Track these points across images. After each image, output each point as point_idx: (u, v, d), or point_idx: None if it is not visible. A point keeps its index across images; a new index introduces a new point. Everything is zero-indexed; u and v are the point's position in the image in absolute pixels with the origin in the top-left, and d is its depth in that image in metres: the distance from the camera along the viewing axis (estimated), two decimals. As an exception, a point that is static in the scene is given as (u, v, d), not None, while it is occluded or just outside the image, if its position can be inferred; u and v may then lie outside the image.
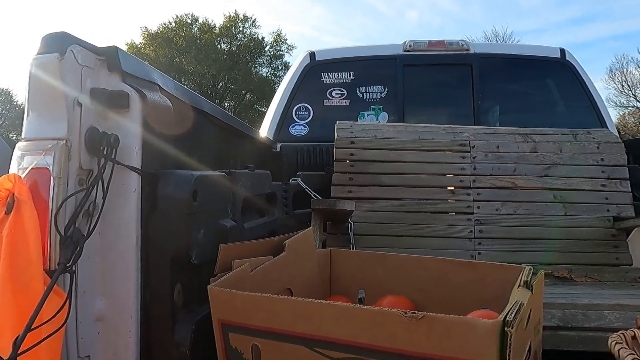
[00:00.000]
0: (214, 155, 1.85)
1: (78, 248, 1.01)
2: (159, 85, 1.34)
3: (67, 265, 0.99)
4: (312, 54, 3.64)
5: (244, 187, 1.67)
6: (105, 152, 1.09)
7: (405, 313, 0.92)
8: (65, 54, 1.03)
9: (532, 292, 1.11)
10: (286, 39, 32.11)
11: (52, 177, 1.00)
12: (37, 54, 1.02)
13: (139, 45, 30.61)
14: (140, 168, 1.16)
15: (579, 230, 2.37)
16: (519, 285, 1.13)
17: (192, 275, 1.30)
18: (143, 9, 46.16)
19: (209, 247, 1.30)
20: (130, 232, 1.15)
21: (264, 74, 32.33)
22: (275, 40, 32.07)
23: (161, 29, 30.76)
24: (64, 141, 1.03)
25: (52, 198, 1.00)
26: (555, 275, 2.22)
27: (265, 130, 3.55)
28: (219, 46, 31.49)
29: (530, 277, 1.17)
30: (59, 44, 1.02)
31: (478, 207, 2.45)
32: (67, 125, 1.03)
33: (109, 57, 1.15)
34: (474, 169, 2.52)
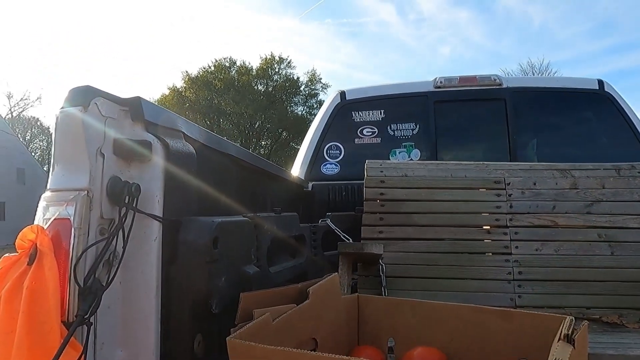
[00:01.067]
0: (242, 199, 1.85)
1: (96, 299, 1.01)
2: (184, 133, 1.37)
3: (85, 317, 0.98)
4: (342, 94, 3.67)
5: (269, 231, 1.65)
6: (126, 201, 1.10)
7: (431, 372, 0.85)
8: (89, 106, 1.06)
9: (574, 347, 1.01)
10: (320, 78, 32.86)
11: (72, 228, 1.01)
12: (62, 108, 1.05)
13: (180, 89, 31.95)
14: (161, 216, 1.16)
15: (628, 272, 2.21)
16: (559, 339, 1.04)
17: (213, 324, 1.27)
18: (184, 54, 48.43)
19: (231, 294, 1.27)
20: (150, 280, 1.14)
21: (300, 113, 33.02)
22: (310, 80, 32.88)
23: (201, 73, 32.12)
24: (86, 192, 1.04)
25: (73, 249, 1.01)
26: (604, 321, 2.07)
27: (297, 169, 3.56)
28: (256, 87, 32.51)
29: (571, 329, 1.08)
30: (83, 97, 1.05)
31: (516, 247, 2.33)
32: (90, 176, 1.05)
33: (133, 107, 1.17)
34: (510, 207, 2.41)
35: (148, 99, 1.24)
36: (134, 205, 1.11)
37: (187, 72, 32.04)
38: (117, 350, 1.11)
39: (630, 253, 2.25)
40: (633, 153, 3.06)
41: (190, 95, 31.50)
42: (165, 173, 1.19)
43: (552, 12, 43.49)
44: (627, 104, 3.37)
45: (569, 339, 1.02)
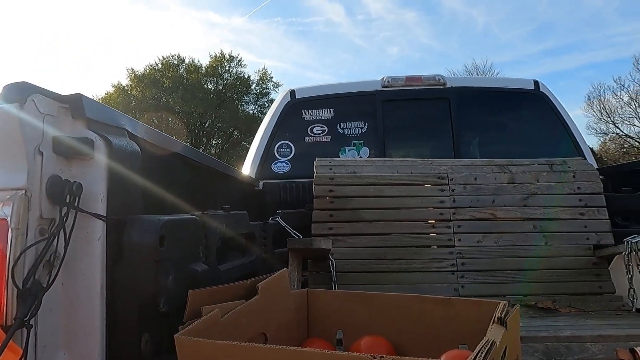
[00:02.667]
0: (191, 197, 1.84)
1: (36, 301, 0.98)
2: (128, 130, 1.34)
3: (24, 319, 0.95)
4: (292, 92, 3.69)
5: (218, 229, 1.65)
6: (67, 200, 1.07)
7: (374, 357, 0.89)
8: (25, 103, 1.03)
9: (506, 329, 1.09)
10: (272, 77, 32.66)
11: (9, 229, 0.98)
12: (-4, 105, 1.02)
13: (125, 87, 30.85)
14: (105, 215, 1.14)
15: (560, 260, 2.37)
16: (493, 322, 1.11)
17: (161, 323, 1.26)
18: (129, 50, 46.70)
19: (179, 293, 1.26)
20: (94, 281, 1.12)
21: (251, 112, 32.67)
22: (261, 78, 32.59)
23: (148, 70, 31.10)
24: (23, 191, 1.01)
25: (10, 250, 0.98)
26: (539, 307, 2.20)
27: (247, 168, 3.55)
28: (205, 85, 31.86)
29: (504, 312, 1.15)
30: (19, 94, 1.02)
31: (459, 240, 2.44)
32: (27, 175, 1.02)
33: (73, 104, 1.15)
34: (453, 201, 2.52)
35: (91, 97, 1.22)
36: (76, 204, 1.09)
37: (132, 69, 30.98)
38: (59, 353, 1.08)
39: (562, 242, 2.41)
40: (565, 149, 3.28)
41: (137, 93, 30.45)
42: (108, 171, 1.17)
43: (494, 16, 45.38)
44: (560, 103, 3.59)
45: (501, 322, 1.09)
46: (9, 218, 0.98)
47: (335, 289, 2.27)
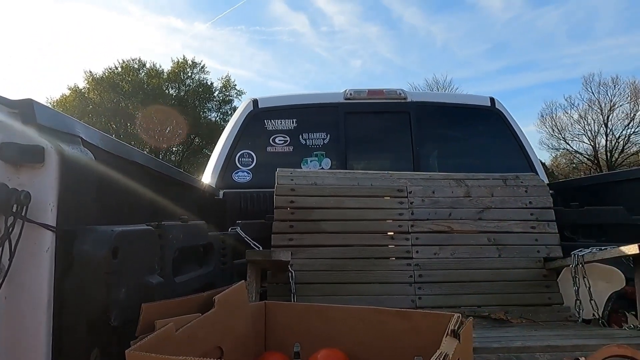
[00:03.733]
0: (148, 207, 1.79)
1: (-24, 316, 0.93)
2: (82, 138, 1.30)
3: (-38, 336, 0.90)
4: (254, 102, 3.68)
5: (174, 240, 1.62)
6: (14, 210, 1.03)
7: (330, 372, 0.89)
8: (-29, 108, 0.98)
9: (459, 341, 1.11)
10: (235, 85, 32.44)
11: (-51, 239, 0.93)
12: (-61, 109, 0.96)
13: (82, 90, 29.88)
14: (54, 225, 1.10)
15: (512, 272, 2.45)
16: (447, 335, 1.13)
17: (112, 337, 1.22)
18: (87, 52, 45.43)
19: (132, 306, 1.23)
20: (41, 294, 1.07)
21: (213, 119, 32.29)
22: (225, 86, 32.30)
23: (107, 74, 30.26)
24: (-34, 200, 0.96)
25: (-51, 262, 0.92)
26: (492, 318, 2.26)
27: (208, 177, 3.50)
28: (167, 91, 31.29)
29: (458, 325, 1.18)
30: (-36, 98, 0.97)
31: (417, 252, 2.48)
32: (-29, 183, 0.97)
33: (23, 109, 1.10)
34: (412, 214, 2.57)
35: (44, 101, 1.18)
36: (23, 214, 1.04)
37: (90, 72, 30.05)
38: (0, 371, 1.02)
39: (515, 255, 2.49)
40: (518, 163, 3.41)
41: (94, 97, 29.54)
42: (60, 180, 1.12)
43: (452, 33, 47.05)
44: (514, 120, 3.73)
45: (455, 334, 1.12)
46: (-52, 228, 0.93)
47: (294, 300, 2.26)
